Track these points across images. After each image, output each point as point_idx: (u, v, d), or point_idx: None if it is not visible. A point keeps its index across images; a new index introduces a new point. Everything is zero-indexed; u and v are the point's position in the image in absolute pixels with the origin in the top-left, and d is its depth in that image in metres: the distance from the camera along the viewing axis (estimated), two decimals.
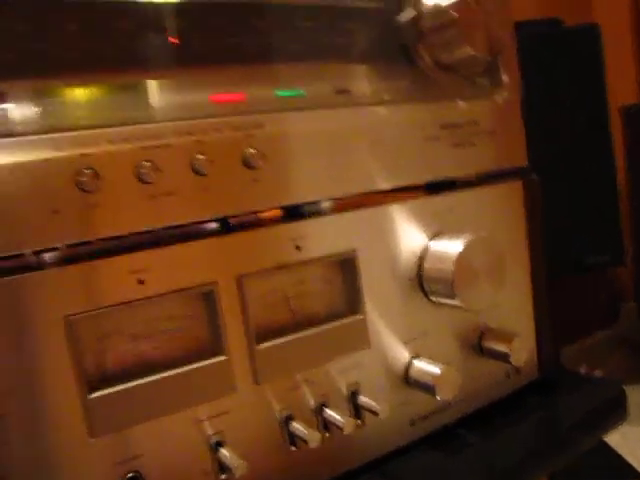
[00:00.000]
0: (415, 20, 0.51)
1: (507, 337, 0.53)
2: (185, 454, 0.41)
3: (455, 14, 0.49)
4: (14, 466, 0.36)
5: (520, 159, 0.57)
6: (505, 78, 0.56)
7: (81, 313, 0.38)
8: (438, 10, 0.50)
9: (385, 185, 0.49)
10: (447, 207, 0.51)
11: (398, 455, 0.50)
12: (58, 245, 0.38)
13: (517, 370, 0.58)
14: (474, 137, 0.53)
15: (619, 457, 1.21)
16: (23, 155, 0.36)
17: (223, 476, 0.41)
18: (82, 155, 0.37)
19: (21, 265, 0.37)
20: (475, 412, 0.55)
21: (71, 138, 0.37)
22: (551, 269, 0.62)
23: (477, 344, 0.55)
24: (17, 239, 0.36)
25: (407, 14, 0.52)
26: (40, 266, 0.37)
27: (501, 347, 0.53)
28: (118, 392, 0.39)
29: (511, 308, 0.57)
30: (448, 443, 0.52)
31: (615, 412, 0.59)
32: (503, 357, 0.53)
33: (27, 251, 0.36)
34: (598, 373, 1.67)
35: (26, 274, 0.36)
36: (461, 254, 0.47)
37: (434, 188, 0.53)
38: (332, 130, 0.46)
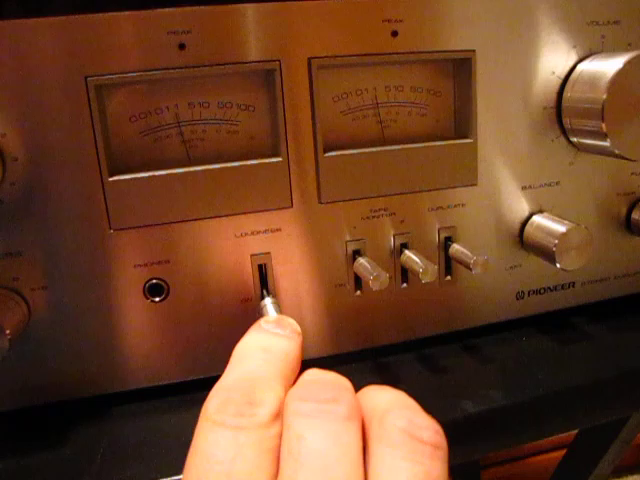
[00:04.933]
0: None
1: None
2: (221, 270, 0.33)
3: None
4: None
5: None
6: None
7: (106, 75, 0.30)
8: None
9: None
10: (612, 17, 0.37)
11: (496, 331, 0.40)
12: None
13: None
14: None
15: None
16: None
17: (264, 302, 0.33)
18: None
19: None
20: (604, 303, 0.43)
21: None
22: None
23: (625, 215, 0.42)
24: None
25: None
26: None
27: None
28: (145, 179, 0.31)
29: None
30: (561, 331, 0.40)
31: None
32: None
33: None
34: None
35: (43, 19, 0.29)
36: (619, 75, 0.34)
37: None
38: None
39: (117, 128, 0.31)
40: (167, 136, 0.32)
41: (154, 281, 0.33)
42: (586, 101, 0.36)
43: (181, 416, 0.34)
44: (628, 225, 0.42)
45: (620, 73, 0.34)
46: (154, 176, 0.31)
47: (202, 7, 0.31)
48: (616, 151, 0.35)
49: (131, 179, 0.31)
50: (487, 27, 0.35)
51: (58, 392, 0.33)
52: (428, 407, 0.33)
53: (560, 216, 0.38)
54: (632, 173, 0.41)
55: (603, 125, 0.35)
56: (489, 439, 0.35)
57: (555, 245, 0.36)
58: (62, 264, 0.32)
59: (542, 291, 0.41)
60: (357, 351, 0.37)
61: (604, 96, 0.34)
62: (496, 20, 0.35)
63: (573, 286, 0.41)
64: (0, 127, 0.29)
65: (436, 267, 0.33)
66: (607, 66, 0.35)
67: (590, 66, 0.36)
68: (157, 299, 0.33)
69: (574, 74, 0.37)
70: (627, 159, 0.36)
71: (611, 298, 0.43)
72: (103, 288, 0.32)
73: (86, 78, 0.30)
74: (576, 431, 0.75)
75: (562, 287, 0.41)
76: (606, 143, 0.35)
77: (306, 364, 0.36)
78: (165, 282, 0.33)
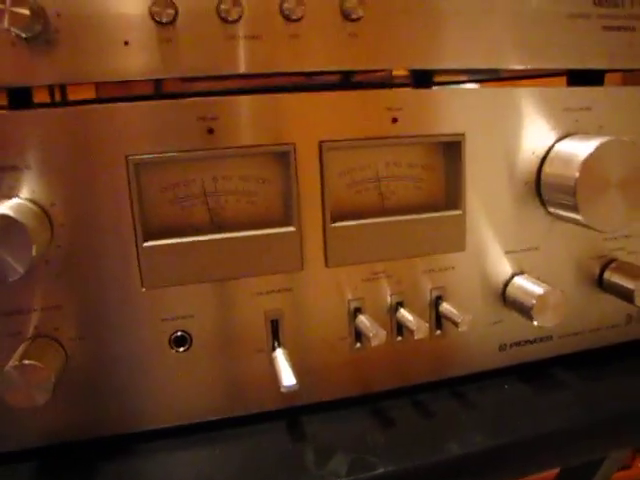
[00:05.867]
0: None
1: (635, 272, 0.45)
2: (237, 324, 0.38)
3: None
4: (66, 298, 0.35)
5: None
6: None
7: (144, 154, 0.35)
8: None
9: (516, 64, 0.41)
10: (585, 103, 0.43)
11: (481, 379, 0.44)
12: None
13: None
14: (635, 21, 0.43)
15: None
16: None
17: (275, 353, 0.38)
18: None
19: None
20: (579, 353, 0.47)
21: None
22: None
23: (597, 275, 0.46)
24: None
25: None
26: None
27: (625, 282, 0.45)
28: (175, 245, 0.36)
29: None
30: (540, 379, 0.45)
31: None
32: (626, 294, 0.45)
33: None
34: None
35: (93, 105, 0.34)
36: (591, 157, 0.39)
37: (576, 79, 0.44)
38: None
39: (151, 199, 0.36)
40: (193, 205, 0.37)
41: (179, 333, 0.37)
42: (561, 178, 0.41)
43: (196, 452, 0.38)
44: (600, 284, 0.47)
45: (592, 155, 0.39)
46: (182, 242, 0.36)
47: (228, 97, 0.36)
48: (586, 223, 0.40)
49: (162, 245, 0.36)
50: (476, 114, 0.40)
51: (90, 431, 0.37)
52: (418, 448, 0.37)
53: (539, 277, 0.43)
54: (604, 239, 0.46)
55: (575, 200, 0.40)
56: (472, 478, 0.39)
57: (533, 305, 0.41)
58: (98, 317, 0.36)
59: (522, 343, 0.45)
60: (356, 396, 0.42)
61: (577, 174, 0.39)
62: (484, 108, 0.40)
63: (551, 339, 0.46)
64: (50, 198, 0.34)
65: (427, 325, 0.38)
66: (580, 148, 0.40)
67: (565, 147, 0.42)
68: (181, 349, 0.37)
69: (552, 153, 0.42)
70: (596, 230, 0.41)
71: (586, 349, 0.48)
72: (134, 338, 0.37)
73: (127, 157, 0.34)
74: (557, 470, 0.79)
75: (541, 340, 0.46)
76: (578, 216, 0.40)
77: (310, 408, 0.40)
78: (189, 334, 0.37)
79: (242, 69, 0.36)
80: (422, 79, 0.47)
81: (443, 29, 0.39)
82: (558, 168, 0.41)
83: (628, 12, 0.43)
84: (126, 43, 0.34)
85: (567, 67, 0.44)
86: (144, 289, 0.36)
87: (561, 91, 0.42)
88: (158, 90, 0.53)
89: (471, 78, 0.65)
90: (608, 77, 0.50)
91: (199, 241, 0.36)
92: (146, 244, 0.35)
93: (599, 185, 0.40)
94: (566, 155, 0.41)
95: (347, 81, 0.53)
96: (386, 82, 0.49)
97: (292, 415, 0.40)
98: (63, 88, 0.47)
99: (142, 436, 0.39)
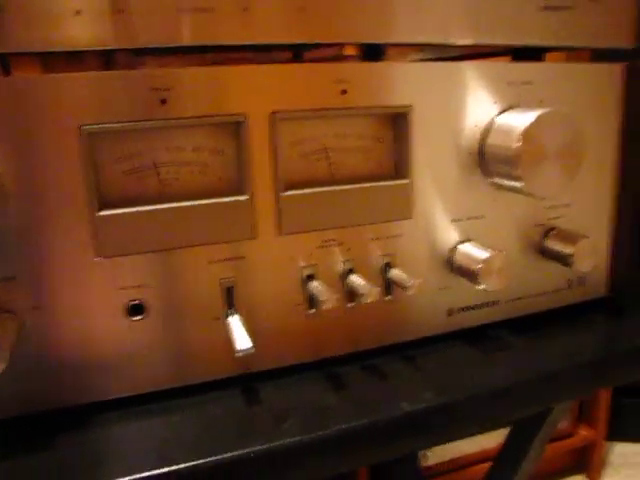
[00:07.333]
0: None
1: (573, 238, 0.47)
2: (192, 292, 0.39)
3: None
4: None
5: (626, 38, 0.49)
6: None
7: (97, 124, 0.35)
8: None
9: (463, 40, 0.43)
10: (526, 78, 0.45)
11: (428, 344, 0.46)
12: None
13: (581, 280, 0.51)
14: (572, 0, 0.45)
15: None
16: None
17: (229, 319, 0.39)
18: None
19: None
20: (523, 318, 0.50)
21: None
22: None
23: (539, 242, 0.49)
24: None
25: None
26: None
27: (564, 248, 0.47)
28: (130, 214, 0.36)
29: (585, 209, 0.50)
30: (486, 342, 0.47)
31: None
32: (565, 259, 0.47)
33: None
34: None
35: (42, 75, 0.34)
36: (530, 127, 0.41)
37: (520, 57, 0.46)
38: None
39: (104, 169, 0.36)
40: (147, 175, 0.37)
41: (134, 302, 0.38)
42: (502, 148, 0.43)
43: (154, 421, 0.38)
44: (542, 251, 0.49)
45: (531, 126, 0.41)
46: (135, 212, 0.36)
47: (181, 69, 0.36)
48: (526, 191, 0.42)
49: (116, 214, 0.36)
50: (423, 86, 0.41)
51: (46, 402, 0.38)
52: (370, 408, 0.39)
53: (484, 244, 0.45)
54: (545, 208, 0.48)
55: (515, 169, 0.42)
56: (424, 434, 0.41)
57: (478, 269, 0.43)
58: (53, 287, 0.36)
59: (470, 308, 0.47)
60: (310, 362, 0.43)
61: (517, 145, 0.41)
62: (431, 81, 0.42)
63: (497, 304, 0.48)
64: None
65: (378, 289, 0.39)
66: (520, 120, 0.42)
67: (507, 119, 0.43)
68: (137, 318, 0.38)
69: (494, 125, 0.44)
70: (536, 197, 0.43)
71: (531, 314, 0.50)
72: (89, 307, 0.37)
73: (80, 127, 0.35)
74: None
75: (487, 304, 0.48)
76: (518, 184, 0.42)
77: (265, 374, 0.42)
78: (144, 303, 0.38)
79: (194, 41, 0.37)
80: (373, 54, 0.48)
81: (392, 4, 0.41)
82: (499, 139, 0.43)
83: None
84: (78, 12, 0.34)
85: (511, 43, 0.46)
86: (98, 258, 0.36)
87: (504, 66, 0.44)
88: (108, 67, 0.53)
89: (424, 57, 0.66)
90: (553, 56, 0.52)
91: (152, 210, 0.37)
92: (99, 213, 0.36)
93: (538, 155, 0.42)
94: (507, 127, 0.43)
95: (299, 58, 0.54)
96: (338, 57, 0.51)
97: (247, 382, 0.42)
98: (6, 62, 0.47)
99: (100, 406, 0.39)
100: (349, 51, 0.57)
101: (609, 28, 0.48)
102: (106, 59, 0.53)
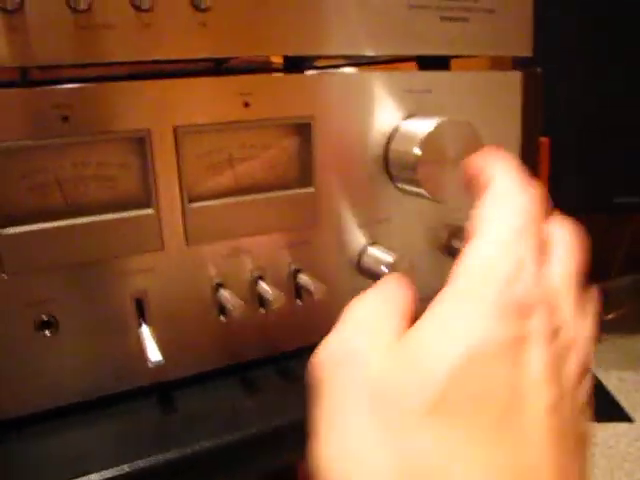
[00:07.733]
0: None
1: None
2: (103, 305, 0.39)
3: None
4: None
5: (523, 48, 0.52)
6: None
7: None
8: None
9: (369, 51, 0.45)
10: (426, 86, 0.47)
11: None
12: None
13: None
14: (467, 12, 0.47)
15: (613, 400, 1.18)
16: None
17: (141, 329, 0.40)
18: None
19: None
20: None
21: None
22: (579, 205, 0.57)
23: (446, 242, 0.51)
24: None
25: None
26: None
27: None
28: (34, 231, 0.37)
29: None
30: None
31: None
32: None
33: None
34: (611, 317, 1.62)
35: None
36: (430, 135, 0.43)
37: (425, 65, 0.48)
38: None
39: (9, 186, 0.37)
40: (52, 191, 0.38)
41: (44, 317, 0.38)
42: (404, 155, 0.45)
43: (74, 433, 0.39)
44: (449, 251, 0.51)
45: (430, 134, 0.43)
46: (41, 229, 0.37)
47: (82, 85, 0.37)
48: (428, 196, 0.44)
49: (21, 232, 0.36)
50: (326, 97, 0.43)
51: None
52: (290, 407, 0.40)
53: (391, 247, 0.47)
54: (451, 210, 0.50)
55: (416, 175, 0.44)
56: None
57: (384, 272, 0.45)
58: None
59: None
60: (225, 366, 0.44)
61: (417, 152, 0.43)
62: (334, 91, 0.43)
63: None
64: None
65: (283, 294, 0.41)
66: (420, 127, 0.44)
67: (407, 126, 0.45)
68: (48, 333, 0.38)
69: (396, 133, 0.46)
70: (437, 202, 0.45)
71: None
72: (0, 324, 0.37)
73: None
74: None
75: None
76: (420, 190, 0.44)
77: (181, 382, 0.43)
78: (54, 318, 0.38)
79: (97, 58, 0.37)
80: (294, 65, 0.49)
81: (294, 20, 0.42)
82: (401, 146, 0.45)
83: (462, 5, 0.47)
84: None
85: (413, 54, 0.48)
86: (5, 276, 0.37)
87: (405, 75, 0.46)
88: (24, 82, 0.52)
89: (346, 63, 0.68)
90: (476, 62, 0.54)
91: (58, 227, 0.37)
92: (3, 231, 0.36)
93: (438, 161, 0.44)
94: (408, 134, 0.45)
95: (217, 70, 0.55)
96: (246, 68, 0.51)
97: (164, 390, 0.42)
98: None
99: (18, 422, 0.39)
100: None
101: (507, 37, 0.51)
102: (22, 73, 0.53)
